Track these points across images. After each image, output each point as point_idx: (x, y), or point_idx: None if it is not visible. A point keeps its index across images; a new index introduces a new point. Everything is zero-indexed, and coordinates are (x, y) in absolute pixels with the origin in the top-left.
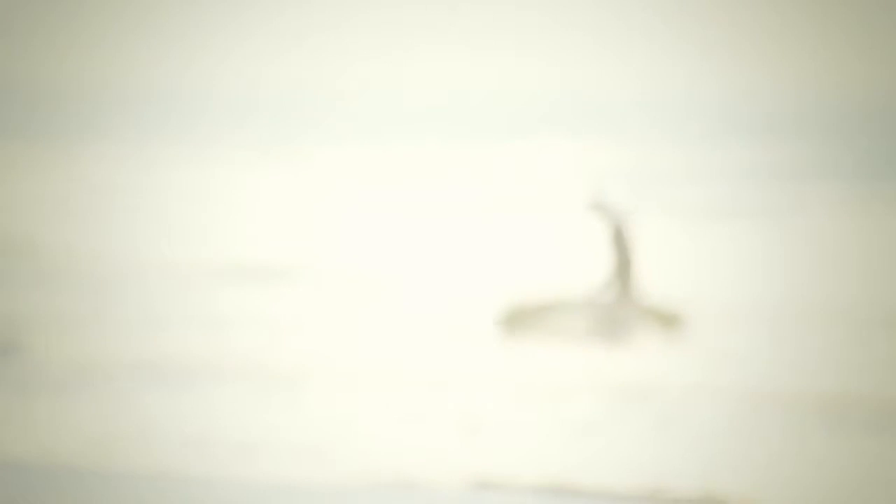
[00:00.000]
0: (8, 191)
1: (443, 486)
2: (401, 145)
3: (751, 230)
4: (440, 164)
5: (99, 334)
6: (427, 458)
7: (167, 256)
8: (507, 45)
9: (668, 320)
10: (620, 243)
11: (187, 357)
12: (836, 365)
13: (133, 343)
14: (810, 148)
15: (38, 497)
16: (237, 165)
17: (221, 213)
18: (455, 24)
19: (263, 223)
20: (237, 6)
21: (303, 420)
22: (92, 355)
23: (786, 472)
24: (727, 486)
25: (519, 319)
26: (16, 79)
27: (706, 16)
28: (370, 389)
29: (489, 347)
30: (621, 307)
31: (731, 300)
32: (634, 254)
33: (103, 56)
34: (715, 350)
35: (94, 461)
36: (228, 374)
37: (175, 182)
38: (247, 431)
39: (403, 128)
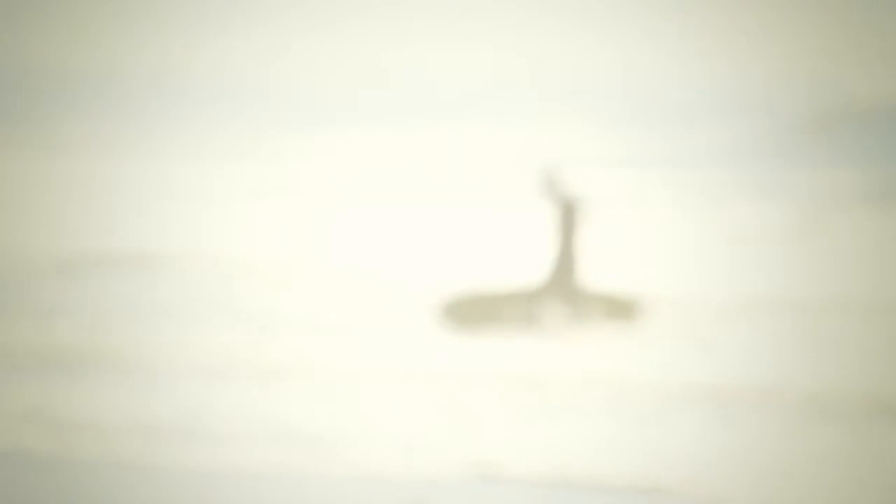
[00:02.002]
0: None
1: (401, 478)
2: (346, 130)
3: (709, 218)
4: (387, 148)
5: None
6: (384, 451)
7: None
8: (459, 26)
9: (623, 309)
10: (569, 229)
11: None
12: (789, 357)
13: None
14: (778, 131)
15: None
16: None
17: (136, 203)
18: (408, 3)
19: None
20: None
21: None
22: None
23: (733, 464)
24: (674, 476)
25: (467, 309)
26: None
27: (667, 2)
28: (313, 381)
29: (434, 338)
30: (570, 296)
31: (687, 289)
32: (582, 240)
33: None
34: (669, 340)
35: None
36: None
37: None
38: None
39: (349, 112)
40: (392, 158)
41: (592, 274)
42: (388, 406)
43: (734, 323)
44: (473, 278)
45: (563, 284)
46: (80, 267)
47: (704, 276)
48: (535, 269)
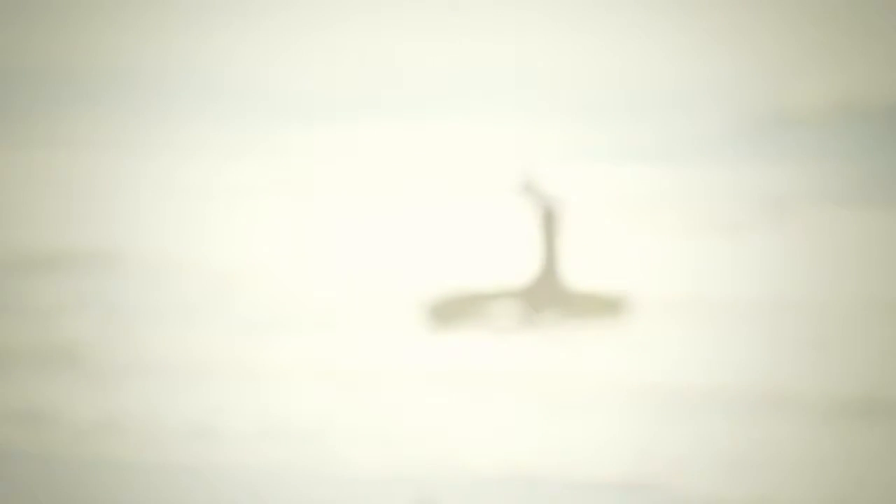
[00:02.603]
0: None
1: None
2: (324, 125)
3: (701, 214)
4: (378, 146)
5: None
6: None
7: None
8: (450, 24)
9: (609, 306)
10: (550, 228)
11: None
12: (787, 357)
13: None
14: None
15: None
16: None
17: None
18: (402, 3)
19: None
20: None
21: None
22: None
23: (730, 463)
24: (670, 475)
25: (458, 309)
26: None
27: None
28: (287, 381)
29: (434, 338)
30: (553, 294)
31: (683, 288)
32: (563, 239)
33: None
34: (651, 339)
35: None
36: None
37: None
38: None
39: (345, 112)
40: (384, 156)
41: (578, 272)
42: (388, 406)
43: (728, 321)
44: (466, 277)
45: (549, 283)
46: (78, 265)
47: (696, 274)
48: (525, 268)
